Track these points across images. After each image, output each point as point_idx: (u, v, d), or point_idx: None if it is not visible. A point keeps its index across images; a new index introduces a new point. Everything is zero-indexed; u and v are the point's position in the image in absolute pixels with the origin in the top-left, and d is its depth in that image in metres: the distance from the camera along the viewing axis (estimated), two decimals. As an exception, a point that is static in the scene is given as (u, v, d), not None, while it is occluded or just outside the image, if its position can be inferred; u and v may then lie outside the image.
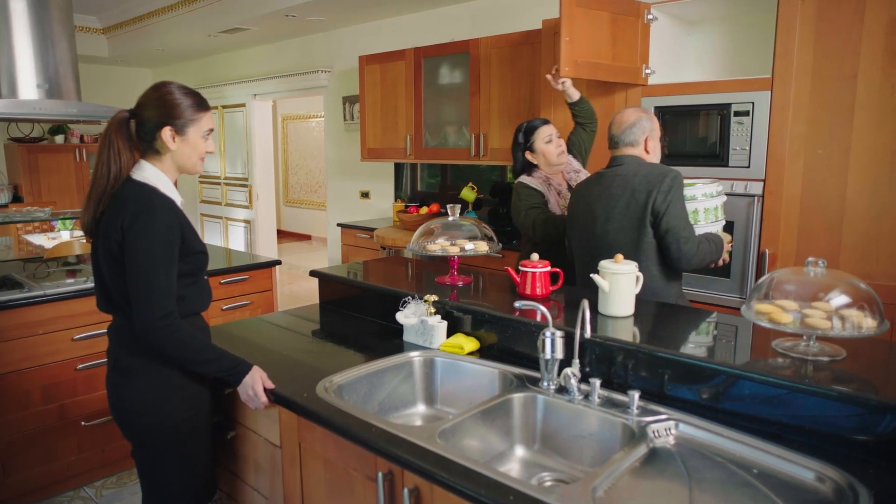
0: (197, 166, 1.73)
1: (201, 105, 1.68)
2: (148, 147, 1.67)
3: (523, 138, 2.73)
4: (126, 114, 1.65)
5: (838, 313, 1.45)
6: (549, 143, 2.70)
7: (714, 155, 2.93)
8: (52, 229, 5.46)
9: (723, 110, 2.89)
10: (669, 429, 1.44)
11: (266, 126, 7.16)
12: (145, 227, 1.56)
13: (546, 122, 2.76)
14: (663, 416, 1.47)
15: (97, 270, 1.70)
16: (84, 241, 4.61)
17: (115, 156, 1.62)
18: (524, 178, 2.74)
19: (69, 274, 3.14)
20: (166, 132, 1.64)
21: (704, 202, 2.27)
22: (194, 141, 1.68)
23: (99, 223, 1.65)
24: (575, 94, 2.85)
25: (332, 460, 1.56)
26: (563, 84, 2.81)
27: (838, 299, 1.46)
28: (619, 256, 1.87)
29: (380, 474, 1.38)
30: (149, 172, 1.66)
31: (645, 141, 2.26)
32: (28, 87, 2.72)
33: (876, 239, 2.55)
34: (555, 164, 2.72)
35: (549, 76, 2.83)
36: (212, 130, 1.72)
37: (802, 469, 1.25)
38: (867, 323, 1.43)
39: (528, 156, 2.73)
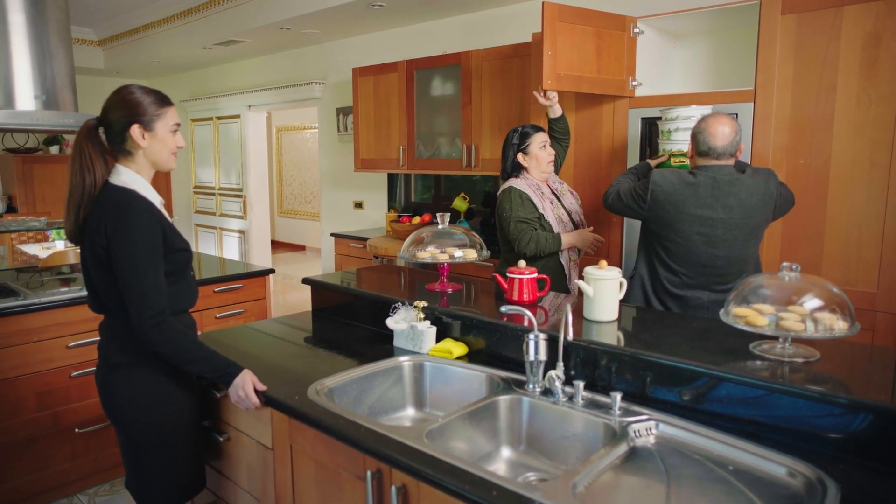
0: (170, 162, 1.78)
1: (163, 101, 1.74)
2: (119, 149, 1.72)
3: (519, 140, 2.79)
4: (94, 121, 1.71)
5: (812, 316, 1.51)
6: (544, 149, 2.77)
7: (699, 165, 2.99)
8: (46, 239, 5.48)
9: (707, 121, 2.95)
10: (650, 428, 1.49)
11: (260, 137, 7.21)
12: (127, 231, 1.62)
13: (542, 129, 2.84)
14: (644, 417, 1.52)
15: (86, 273, 1.76)
16: (78, 250, 4.64)
17: (88, 163, 1.67)
18: (516, 183, 2.77)
19: (63, 283, 3.17)
20: (135, 130, 1.69)
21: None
22: (163, 136, 1.73)
23: (83, 229, 1.70)
24: (559, 111, 2.96)
25: (323, 461, 1.60)
26: (552, 99, 2.89)
27: (812, 303, 1.52)
28: (604, 262, 1.93)
29: (368, 473, 1.42)
30: (125, 176, 1.71)
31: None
32: (26, 98, 2.77)
33: (856, 246, 2.62)
34: (544, 171, 2.80)
35: (535, 93, 2.91)
36: (178, 125, 1.78)
37: (775, 465, 1.30)
38: (839, 325, 1.48)
39: (521, 157, 2.78)
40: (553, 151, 2.82)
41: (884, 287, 2.56)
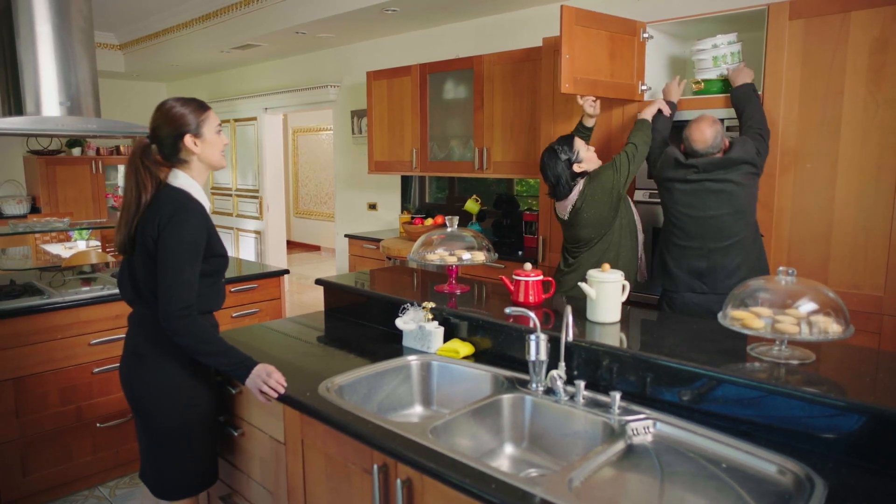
0: (222, 160, 1.92)
1: (202, 106, 1.88)
2: (176, 160, 1.86)
3: (567, 153, 2.84)
4: (146, 140, 1.84)
5: (807, 319, 1.54)
6: (589, 150, 2.89)
7: (707, 168, 3.03)
8: (68, 239, 5.62)
9: (715, 125, 2.99)
10: (648, 427, 1.53)
11: (277, 139, 7.32)
12: (177, 227, 1.74)
13: (571, 135, 2.96)
14: (642, 416, 1.56)
15: (129, 265, 1.87)
16: (100, 250, 4.77)
17: (143, 180, 1.80)
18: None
19: (85, 282, 3.27)
20: (188, 140, 1.82)
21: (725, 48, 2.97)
22: (211, 138, 1.87)
23: (134, 241, 1.82)
24: (594, 119, 3.08)
25: (332, 455, 1.67)
26: (597, 106, 3.01)
27: (807, 306, 1.55)
28: (606, 266, 1.97)
29: (375, 467, 1.49)
30: (182, 179, 1.85)
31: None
32: (51, 104, 2.87)
33: (863, 250, 2.63)
34: (598, 162, 2.94)
35: (583, 101, 2.98)
36: (220, 124, 1.91)
37: (766, 463, 1.34)
38: (833, 328, 1.52)
39: (577, 167, 2.84)
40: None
41: (891, 290, 2.58)
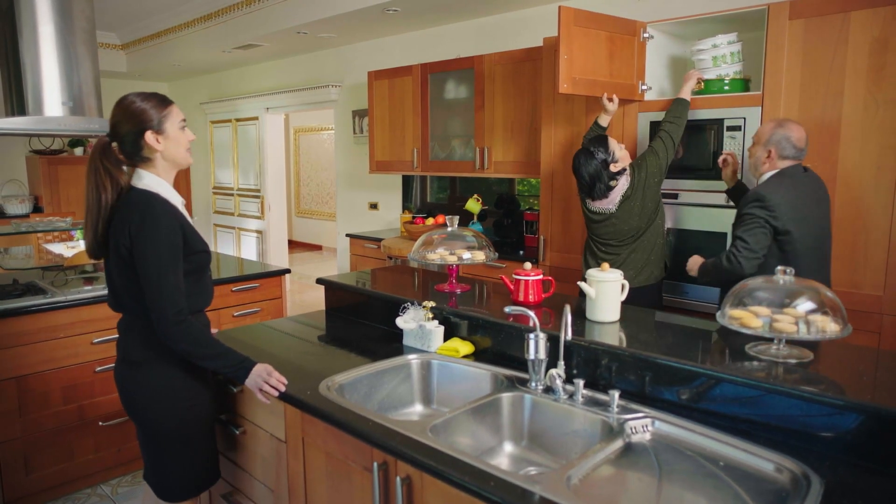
0: (187, 157, 1.85)
1: (164, 101, 1.80)
2: (139, 158, 1.79)
3: (603, 153, 2.84)
4: (106, 139, 1.78)
5: (805, 318, 1.55)
6: (622, 148, 2.89)
7: (708, 168, 3.04)
8: (70, 238, 5.63)
9: (715, 125, 3.00)
10: (646, 425, 1.54)
11: (278, 139, 7.33)
12: (150, 232, 1.70)
13: (602, 135, 2.99)
14: (641, 415, 1.57)
15: (108, 272, 1.85)
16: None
17: (102, 180, 1.75)
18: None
19: (87, 281, 3.28)
20: (149, 136, 1.75)
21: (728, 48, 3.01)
22: (174, 135, 1.80)
23: (102, 245, 1.79)
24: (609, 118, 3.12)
25: (333, 453, 1.68)
26: (614, 101, 3.04)
27: (805, 305, 1.56)
28: (606, 265, 1.98)
29: (375, 465, 1.50)
30: (148, 179, 1.79)
31: None
32: (53, 104, 2.88)
33: (863, 250, 2.64)
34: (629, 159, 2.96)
35: (604, 99, 3.03)
36: (185, 120, 1.84)
37: (764, 461, 1.35)
38: (831, 327, 1.53)
39: (614, 167, 2.85)
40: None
41: (890, 290, 2.58)
